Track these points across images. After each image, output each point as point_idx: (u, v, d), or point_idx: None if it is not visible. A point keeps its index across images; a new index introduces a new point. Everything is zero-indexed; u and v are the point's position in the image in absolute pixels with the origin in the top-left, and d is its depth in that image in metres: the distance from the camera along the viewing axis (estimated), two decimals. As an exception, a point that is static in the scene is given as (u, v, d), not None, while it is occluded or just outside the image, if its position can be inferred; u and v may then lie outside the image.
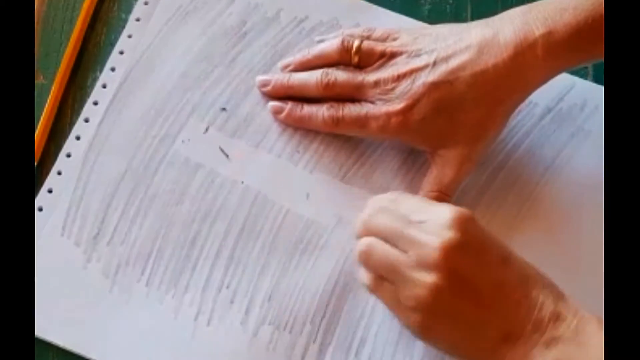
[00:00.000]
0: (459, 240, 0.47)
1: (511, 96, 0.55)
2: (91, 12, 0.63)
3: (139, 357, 0.54)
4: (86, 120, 0.60)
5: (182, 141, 0.59)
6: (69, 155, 0.59)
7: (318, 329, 0.55)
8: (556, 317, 0.47)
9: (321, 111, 0.58)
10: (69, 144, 0.59)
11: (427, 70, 0.55)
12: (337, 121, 0.57)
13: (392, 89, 0.56)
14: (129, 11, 0.63)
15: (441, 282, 0.47)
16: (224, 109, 0.60)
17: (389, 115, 0.55)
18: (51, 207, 0.58)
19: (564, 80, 0.60)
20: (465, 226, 0.48)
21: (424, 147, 0.57)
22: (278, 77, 0.60)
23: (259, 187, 0.58)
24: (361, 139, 0.59)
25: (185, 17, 0.62)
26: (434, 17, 0.63)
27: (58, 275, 0.56)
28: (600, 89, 0.61)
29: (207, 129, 0.60)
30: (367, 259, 0.50)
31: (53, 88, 0.60)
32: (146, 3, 0.62)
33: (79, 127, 0.60)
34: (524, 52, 0.54)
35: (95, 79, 0.61)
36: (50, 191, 0.58)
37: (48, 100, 0.60)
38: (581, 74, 0.61)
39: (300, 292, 0.56)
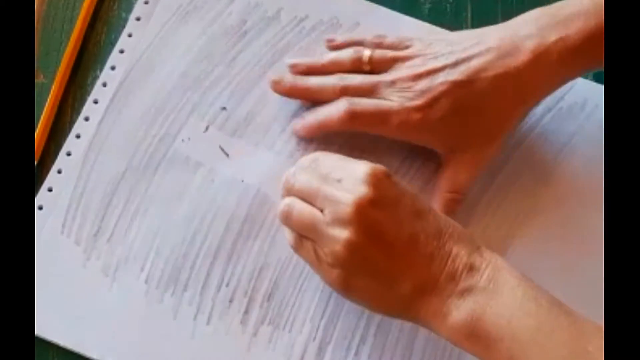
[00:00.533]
0: (372, 196, 0.48)
1: (527, 100, 0.55)
2: (91, 11, 0.63)
3: (139, 356, 0.54)
4: (86, 119, 0.60)
5: (182, 140, 0.59)
6: (69, 154, 0.59)
7: (317, 328, 0.55)
8: (469, 268, 0.48)
9: (336, 108, 0.56)
10: (69, 143, 0.59)
11: (446, 71, 0.55)
12: (354, 115, 0.56)
13: (410, 87, 0.55)
14: (129, 10, 0.63)
15: (354, 237, 0.48)
16: (224, 108, 0.60)
17: (408, 111, 0.55)
18: (51, 206, 0.58)
19: (564, 79, 0.61)
20: (378, 181, 0.49)
21: (439, 148, 0.57)
22: (293, 77, 0.59)
23: (259, 186, 0.58)
24: (360, 139, 0.59)
25: (185, 17, 0.62)
26: (434, 16, 0.63)
27: (58, 274, 0.56)
28: (601, 88, 0.61)
29: (207, 128, 0.60)
30: (287, 218, 0.51)
31: (53, 87, 0.60)
32: (146, 2, 0.62)
33: (79, 126, 0.60)
34: (540, 57, 0.54)
35: (95, 78, 0.61)
36: (50, 190, 0.58)
37: (48, 99, 0.60)
38: (581, 73, 0.61)
39: (299, 291, 0.56)
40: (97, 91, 0.61)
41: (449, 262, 0.48)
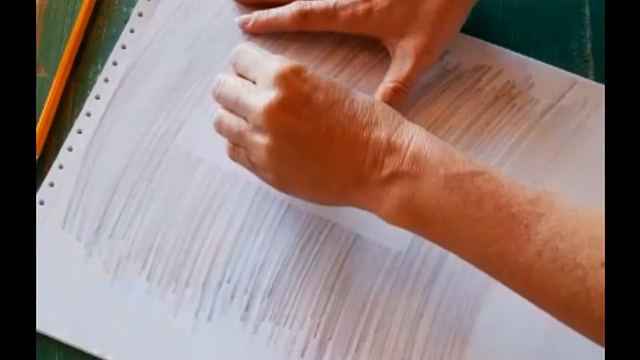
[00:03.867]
0: (280, 99, 0.49)
1: None
2: (92, 5, 0.63)
3: (140, 352, 0.55)
4: (88, 115, 0.60)
5: (184, 136, 0.59)
6: (70, 149, 0.59)
7: (318, 324, 0.55)
8: (390, 151, 0.49)
9: (288, 8, 0.59)
10: (71, 138, 0.59)
11: None
12: (305, 15, 0.59)
13: None
14: (130, 4, 0.63)
15: (272, 143, 0.50)
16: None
17: (356, 3, 0.57)
18: (52, 201, 0.58)
19: (564, 78, 0.61)
20: (287, 82, 0.50)
21: (387, 37, 0.58)
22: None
23: (260, 182, 0.58)
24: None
25: (188, 13, 0.62)
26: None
27: (59, 270, 0.56)
28: (601, 87, 0.61)
29: (209, 124, 0.59)
30: (219, 130, 0.53)
31: (54, 81, 0.60)
32: (149, -2, 0.63)
33: (80, 121, 0.60)
34: None
35: (96, 73, 0.61)
36: (51, 185, 0.58)
37: (49, 93, 0.60)
38: (582, 72, 0.61)
39: (300, 288, 0.56)
40: (99, 87, 0.60)
41: (369, 149, 0.49)
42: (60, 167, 0.59)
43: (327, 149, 0.49)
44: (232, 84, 0.52)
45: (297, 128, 0.49)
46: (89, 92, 0.61)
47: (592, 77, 0.61)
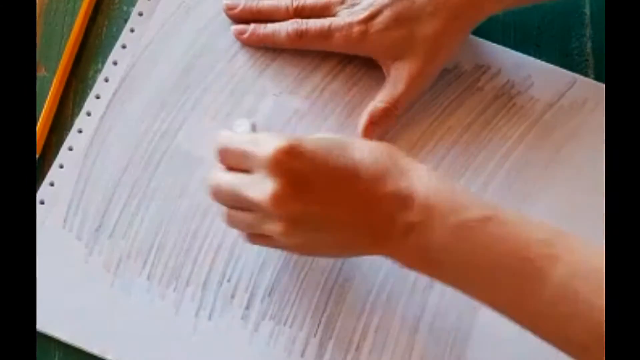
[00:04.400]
0: (281, 187, 0.47)
1: (466, 12, 0.57)
2: (93, 3, 0.63)
3: (140, 352, 0.55)
4: (88, 114, 0.60)
5: (184, 135, 0.59)
6: (71, 149, 0.59)
7: (319, 324, 0.55)
8: (401, 206, 0.48)
9: (285, 26, 0.59)
10: (71, 137, 0.59)
11: None
12: (301, 34, 0.59)
13: (359, 2, 0.58)
14: (130, 3, 0.63)
15: (285, 228, 0.48)
16: (226, 103, 0.60)
17: (351, 25, 0.58)
18: (53, 201, 0.58)
19: (564, 77, 0.61)
20: (283, 168, 0.48)
21: (382, 59, 0.59)
22: (246, 1, 0.61)
23: (260, 182, 0.58)
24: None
25: (188, 12, 0.62)
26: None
27: (59, 269, 0.56)
28: (601, 86, 0.61)
29: (209, 123, 0.60)
30: (233, 227, 0.52)
31: (55, 80, 0.60)
32: (149, -3, 0.63)
33: (81, 121, 0.60)
34: None
35: (96, 72, 0.61)
36: (52, 184, 0.58)
37: (50, 93, 0.60)
38: (582, 72, 0.61)
39: (300, 287, 0.56)
40: (99, 86, 0.60)
41: (382, 210, 0.48)
42: (61, 166, 0.59)
43: (343, 219, 0.49)
44: (226, 184, 0.50)
45: (307, 212, 0.48)
46: (89, 91, 0.61)
47: (592, 76, 0.61)
